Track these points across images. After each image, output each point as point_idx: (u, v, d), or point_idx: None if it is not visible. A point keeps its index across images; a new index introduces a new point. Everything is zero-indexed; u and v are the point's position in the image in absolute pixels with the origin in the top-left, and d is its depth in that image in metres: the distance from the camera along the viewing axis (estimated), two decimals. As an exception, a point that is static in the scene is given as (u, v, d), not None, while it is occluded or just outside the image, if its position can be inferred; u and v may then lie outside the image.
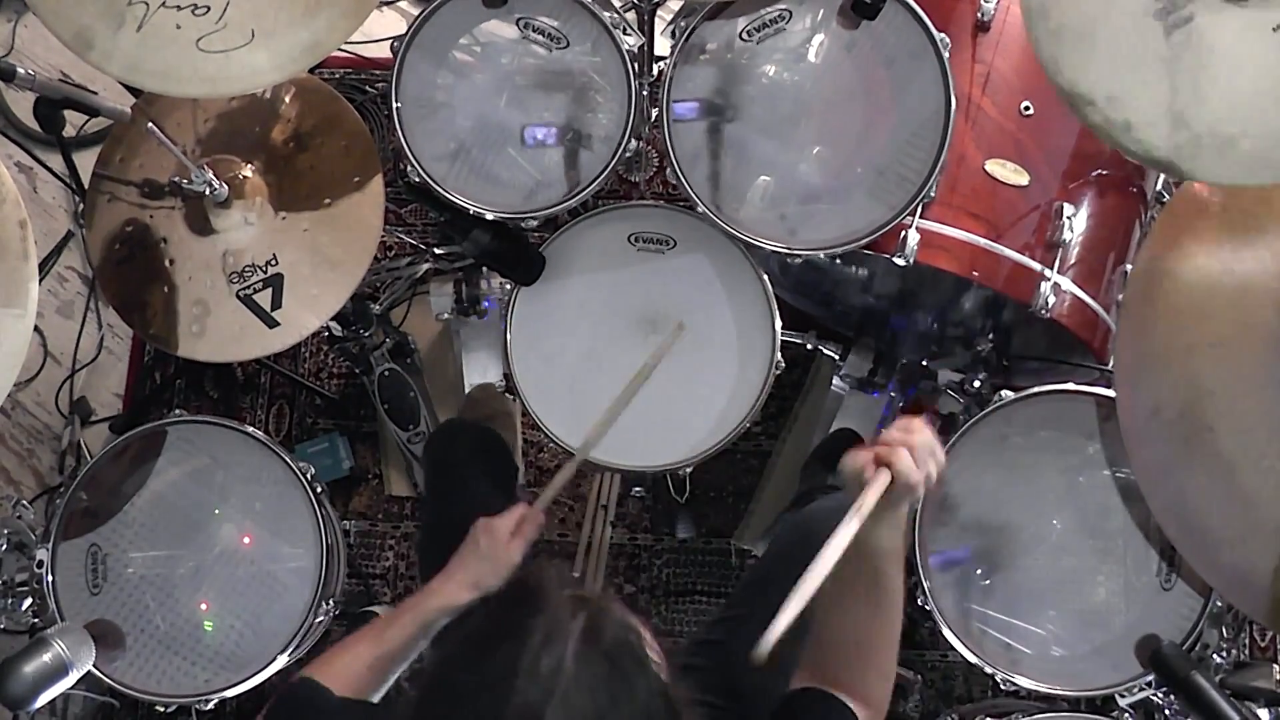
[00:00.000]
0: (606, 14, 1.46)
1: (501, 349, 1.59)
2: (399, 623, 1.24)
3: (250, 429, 1.58)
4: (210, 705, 1.51)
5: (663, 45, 1.54)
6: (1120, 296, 1.53)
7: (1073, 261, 1.52)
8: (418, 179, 1.53)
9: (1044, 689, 1.43)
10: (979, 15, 1.52)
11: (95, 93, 1.51)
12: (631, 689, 0.83)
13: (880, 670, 1.11)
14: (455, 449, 1.67)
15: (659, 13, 1.62)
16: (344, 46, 2.27)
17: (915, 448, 1.03)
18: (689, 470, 1.59)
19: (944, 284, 1.75)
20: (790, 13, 1.46)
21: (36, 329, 2.15)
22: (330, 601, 1.60)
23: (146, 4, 1.25)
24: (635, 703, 0.83)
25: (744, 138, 1.50)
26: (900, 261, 1.45)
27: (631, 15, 1.57)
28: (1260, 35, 1.04)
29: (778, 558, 1.51)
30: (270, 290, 1.51)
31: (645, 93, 1.53)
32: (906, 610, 1.55)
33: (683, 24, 1.49)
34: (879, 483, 1.02)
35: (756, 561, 2.05)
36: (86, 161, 1.62)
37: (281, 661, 1.53)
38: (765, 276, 1.55)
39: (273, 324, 1.50)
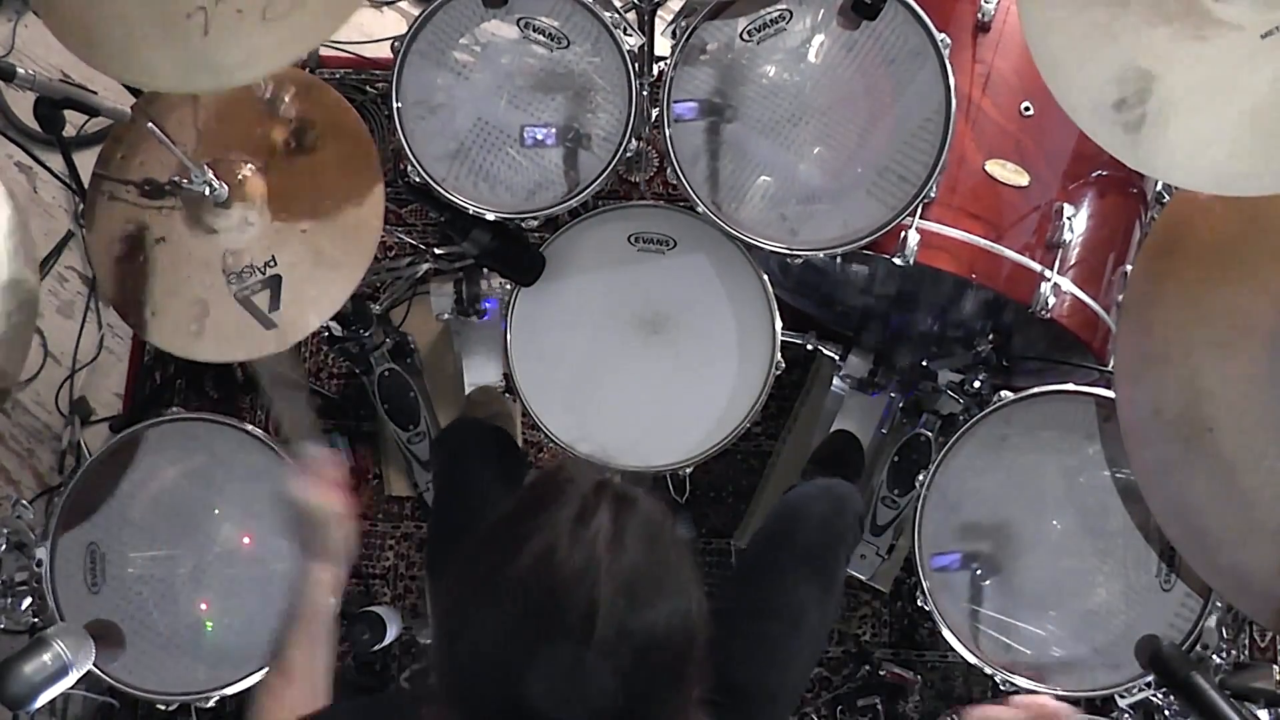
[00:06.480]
0: (607, 14, 1.47)
1: (501, 349, 1.59)
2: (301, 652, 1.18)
3: (250, 428, 1.58)
4: (211, 703, 1.51)
5: (663, 45, 1.54)
6: (1120, 297, 1.53)
7: (1073, 262, 1.52)
8: (418, 179, 1.52)
9: (1043, 689, 1.43)
10: (979, 15, 1.52)
11: (95, 93, 1.51)
12: (672, 554, 0.83)
13: None
14: (467, 447, 1.66)
15: (659, 13, 1.62)
16: (344, 47, 2.27)
17: None
18: (689, 470, 1.59)
19: (944, 284, 1.74)
20: (790, 13, 1.46)
21: (36, 329, 2.15)
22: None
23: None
24: (680, 568, 0.83)
25: (744, 138, 1.50)
26: (900, 262, 1.45)
27: (632, 15, 1.57)
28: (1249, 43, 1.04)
29: (760, 542, 1.51)
30: (268, 291, 1.50)
31: (645, 93, 1.53)
32: (907, 610, 1.54)
33: (683, 24, 1.49)
34: None
35: (740, 553, 2.05)
36: (86, 161, 1.62)
37: (281, 661, 1.53)
38: (765, 276, 1.55)
39: (270, 325, 1.50)
